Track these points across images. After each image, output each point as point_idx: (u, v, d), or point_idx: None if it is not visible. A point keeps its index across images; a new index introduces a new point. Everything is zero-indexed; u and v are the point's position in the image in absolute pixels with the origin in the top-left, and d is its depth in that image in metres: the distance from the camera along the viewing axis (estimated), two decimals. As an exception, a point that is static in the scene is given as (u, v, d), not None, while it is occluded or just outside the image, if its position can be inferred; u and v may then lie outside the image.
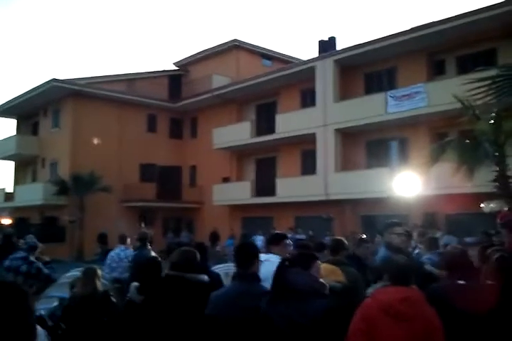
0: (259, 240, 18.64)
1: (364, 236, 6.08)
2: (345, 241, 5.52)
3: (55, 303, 5.50)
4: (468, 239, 13.43)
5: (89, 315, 4.97)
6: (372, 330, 3.26)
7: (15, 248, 7.46)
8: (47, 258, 7.29)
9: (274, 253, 4.77)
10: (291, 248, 5.72)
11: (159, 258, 5.09)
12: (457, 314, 3.44)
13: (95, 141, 28.44)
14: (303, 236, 19.75)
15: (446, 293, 3.61)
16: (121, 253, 8.77)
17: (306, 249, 5.25)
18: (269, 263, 4.15)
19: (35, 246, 6.99)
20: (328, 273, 4.24)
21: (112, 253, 9.02)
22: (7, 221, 30.82)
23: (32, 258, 6.76)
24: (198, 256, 4.20)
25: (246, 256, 3.73)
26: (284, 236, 5.23)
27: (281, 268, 3.48)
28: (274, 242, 5.00)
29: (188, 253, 4.16)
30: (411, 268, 3.55)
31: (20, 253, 6.81)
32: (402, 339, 3.21)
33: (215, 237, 26.37)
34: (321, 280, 3.53)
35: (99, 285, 5.33)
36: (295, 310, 3.24)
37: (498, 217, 5.61)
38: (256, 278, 3.69)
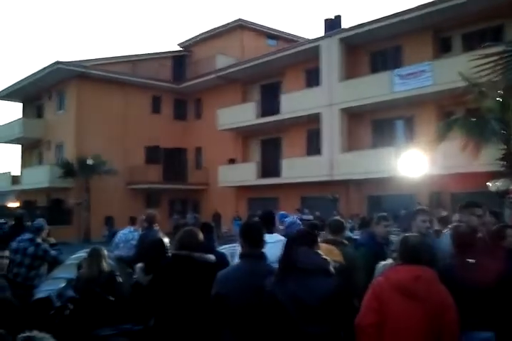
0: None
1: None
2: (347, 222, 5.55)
3: (63, 284, 5.53)
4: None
5: (95, 295, 5.00)
6: (385, 309, 3.27)
7: (25, 230, 7.49)
8: (53, 240, 7.34)
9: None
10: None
11: (165, 239, 5.09)
12: (467, 291, 3.44)
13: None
14: (310, 217, 19.72)
15: (456, 271, 3.60)
16: (129, 235, 8.81)
17: (315, 228, 5.29)
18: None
19: (41, 227, 7.03)
20: (326, 252, 4.25)
21: (120, 233, 9.09)
22: (14, 204, 31.10)
23: (39, 240, 6.82)
24: (201, 235, 4.21)
25: (253, 236, 3.73)
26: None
27: (289, 247, 3.48)
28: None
29: (192, 232, 4.17)
30: (423, 246, 3.53)
31: (27, 235, 6.88)
32: (414, 318, 3.22)
33: (218, 218, 26.56)
34: (325, 256, 3.56)
35: (105, 265, 5.35)
36: (303, 289, 3.25)
37: (510, 193, 5.58)
38: (263, 257, 3.69)
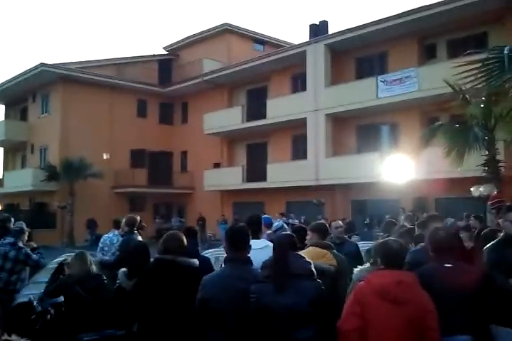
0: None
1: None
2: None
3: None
4: (459, 223, 13.51)
5: (79, 297, 4.95)
6: (366, 313, 3.27)
7: (9, 233, 7.38)
8: (34, 245, 7.25)
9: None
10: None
11: (146, 243, 5.06)
12: (444, 295, 3.45)
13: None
14: (295, 221, 19.80)
15: (433, 276, 3.61)
16: (114, 238, 8.71)
17: (304, 231, 5.28)
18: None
19: (22, 230, 6.93)
20: (318, 256, 4.25)
21: (105, 237, 9.00)
22: (-3, 207, 30.71)
23: (20, 244, 6.74)
24: (185, 239, 4.19)
25: (238, 240, 3.72)
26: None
27: (281, 253, 3.49)
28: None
29: (176, 236, 4.15)
30: (404, 251, 3.55)
31: (8, 239, 6.78)
32: (396, 323, 3.22)
33: (202, 222, 26.53)
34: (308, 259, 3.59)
35: (93, 268, 5.31)
36: (297, 296, 3.30)
37: (490, 199, 5.57)
38: (247, 262, 3.68)
